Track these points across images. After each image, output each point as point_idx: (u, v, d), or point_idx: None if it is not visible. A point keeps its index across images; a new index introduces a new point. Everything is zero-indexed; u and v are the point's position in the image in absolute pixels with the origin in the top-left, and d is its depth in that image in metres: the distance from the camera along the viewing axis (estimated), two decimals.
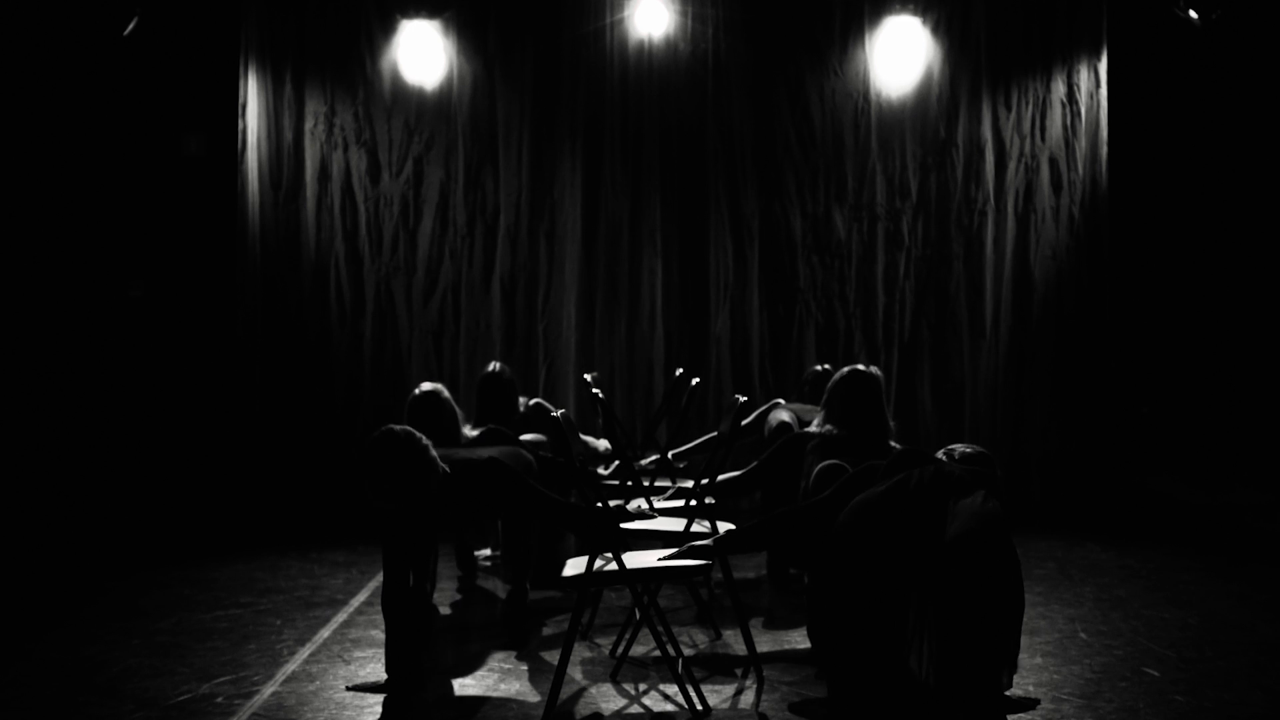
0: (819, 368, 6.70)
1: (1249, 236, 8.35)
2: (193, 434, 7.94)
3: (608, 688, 4.37)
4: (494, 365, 6.27)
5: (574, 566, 4.28)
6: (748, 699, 4.24)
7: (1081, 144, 8.09)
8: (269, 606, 5.47)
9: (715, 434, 5.78)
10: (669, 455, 5.90)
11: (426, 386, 5.36)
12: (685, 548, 4.09)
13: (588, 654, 4.78)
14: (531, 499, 4.40)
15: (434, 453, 4.31)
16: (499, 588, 5.91)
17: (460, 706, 4.18)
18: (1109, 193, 8.11)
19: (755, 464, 5.20)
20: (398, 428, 4.28)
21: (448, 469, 4.38)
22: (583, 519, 4.31)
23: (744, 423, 5.82)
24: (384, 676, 4.39)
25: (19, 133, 7.89)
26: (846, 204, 8.05)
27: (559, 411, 4.49)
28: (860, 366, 5.15)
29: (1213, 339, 8.38)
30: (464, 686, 4.39)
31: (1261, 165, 8.28)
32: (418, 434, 4.29)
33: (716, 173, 8.03)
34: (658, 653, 4.36)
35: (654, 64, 7.95)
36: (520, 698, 4.25)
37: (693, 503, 4.80)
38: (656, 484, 5.69)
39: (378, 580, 5.91)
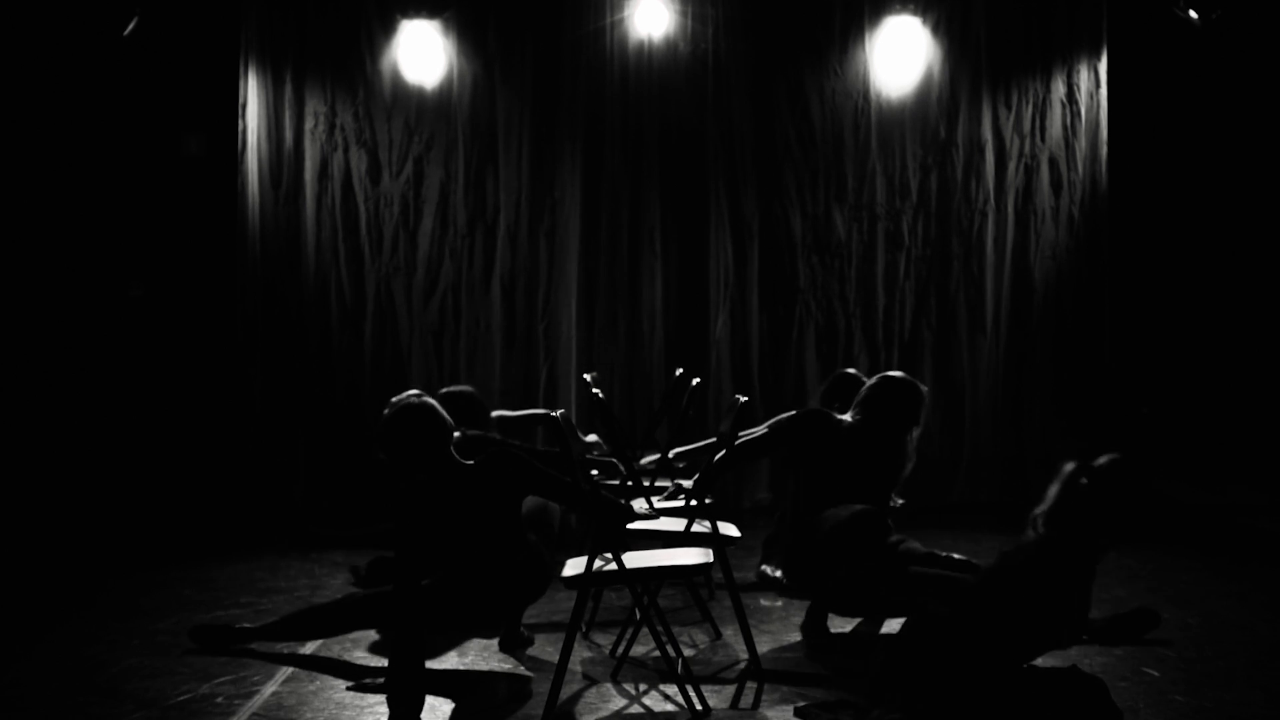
0: (849, 371, 6.23)
1: (1249, 237, 8.35)
2: (193, 434, 7.94)
3: (608, 688, 4.37)
4: (455, 388, 6.09)
5: (574, 566, 4.28)
6: (748, 699, 4.24)
7: (1081, 144, 8.10)
8: (269, 606, 5.46)
9: (715, 439, 5.69)
10: (669, 454, 5.88)
11: (414, 397, 5.41)
12: (673, 489, 4.59)
13: (588, 654, 4.78)
14: (541, 481, 4.45)
15: (450, 424, 4.45)
16: None
17: (460, 706, 4.18)
18: (1109, 193, 8.11)
19: (771, 426, 5.08)
20: (415, 399, 4.41)
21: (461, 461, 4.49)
22: (593, 503, 4.32)
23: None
24: (384, 677, 4.38)
25: (19, 133, 7.89)
26: (846, 204, 8.05)
27: (559, 411, 4.49)
28: (897, 375, 5.03)
29: (1212, 339, 8.38)
30: (463, 687, 4.39)
31: (1262, 165, 8.27)
32: (438, 406, 4.43)
33: (716, 173, 8.03)
34: (658, 653, 4.36)
35: (654, 64, 7.95)
36: (520, 698, 4.25)
37: (693, 503, 4.80)
38: (656, 484, 5.68)
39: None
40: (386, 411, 4.38)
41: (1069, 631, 3.66)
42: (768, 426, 5.08)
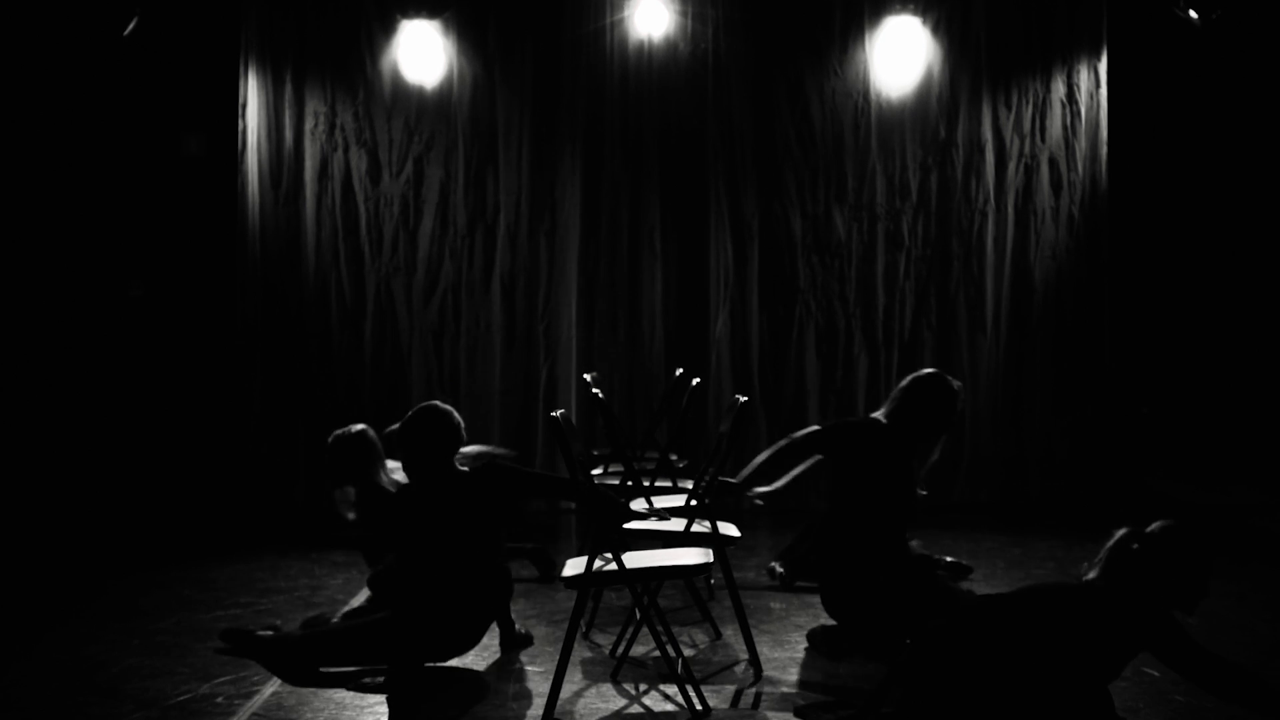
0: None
1: (1249, 237, 8.36)
2: (193, 434, 7.94)
3: (608, 688, 4.37)
4: (355, 427, 5.52)
5: (574, 566, 4.28)
6: (748, 699, 4.24)
7: (1081, 144, 8.10)
8: (269, 606, 5.46)
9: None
10: (710, 471, 5.75)
11: (356, 428, 5.46)
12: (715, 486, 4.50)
13: (588, 654, 4.77)
14: (536, 484, 4.47)
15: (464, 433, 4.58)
16: None
17: (460, 706, 4.18)
18: (1109, 193, 8.12)
19: (822, 427, 4.96)
20: (440, 405, 4.55)
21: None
22: (590, 495, 4.32)
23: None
24: (384, 677, 4.38)
25: (19, 133, 7.89)
26: (846, 204, 8.06)
27: (558, 412, 4.49)
28: (930, 372, 4.90)
29: (1212, 339, 8.38)
30: (464, 687, 4.39)
31: (1262, 165, 8.28)
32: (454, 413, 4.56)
33: (716, 173, 8.03)
34: (658, 653, 4.36)
35: (654, 64, 7.95)
36: (520, 698, 4.25)
37: (693, 503, 4.79)
38: (656, 484, 5.67)
39: None
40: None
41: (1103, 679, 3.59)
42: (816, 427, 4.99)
